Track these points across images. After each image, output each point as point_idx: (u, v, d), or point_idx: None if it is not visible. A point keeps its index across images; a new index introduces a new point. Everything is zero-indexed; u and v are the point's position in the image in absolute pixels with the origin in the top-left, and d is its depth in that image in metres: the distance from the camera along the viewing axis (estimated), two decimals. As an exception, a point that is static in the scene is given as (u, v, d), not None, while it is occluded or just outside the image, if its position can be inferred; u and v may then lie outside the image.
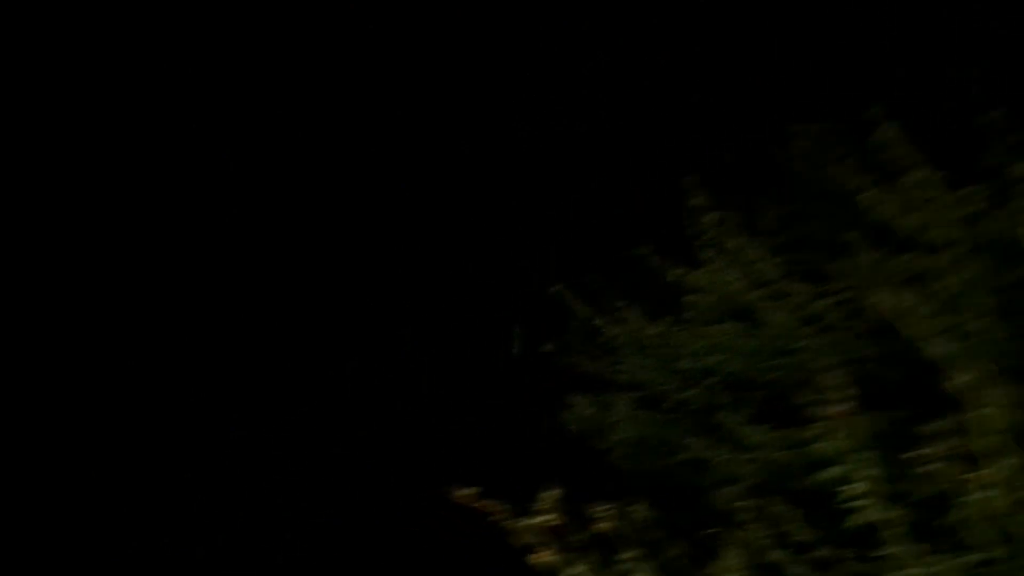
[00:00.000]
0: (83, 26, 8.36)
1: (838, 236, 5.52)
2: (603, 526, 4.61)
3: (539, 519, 4.52)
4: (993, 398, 4.24)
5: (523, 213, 8.32)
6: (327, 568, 7.60)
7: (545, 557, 4.54)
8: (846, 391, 4.39)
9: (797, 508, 4.69)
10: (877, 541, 4.49)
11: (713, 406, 5.78)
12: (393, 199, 8.68)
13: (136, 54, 8.49)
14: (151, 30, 8.50)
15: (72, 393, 8.03)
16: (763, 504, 4.75)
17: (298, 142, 8.64)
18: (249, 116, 8.57)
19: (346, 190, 8.64)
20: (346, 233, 8.63)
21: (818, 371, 5.06)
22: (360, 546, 7.60)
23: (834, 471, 4.57)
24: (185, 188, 8.48)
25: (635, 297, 6.14)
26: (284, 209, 8.63)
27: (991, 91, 5.84)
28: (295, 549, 7.66)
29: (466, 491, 4.59)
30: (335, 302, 8.57)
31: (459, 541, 6.95)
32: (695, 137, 6.91)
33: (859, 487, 4.43)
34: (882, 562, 4.46)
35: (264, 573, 7.55)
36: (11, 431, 7.77)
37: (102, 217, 8.35)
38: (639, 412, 5.90)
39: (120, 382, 8.09)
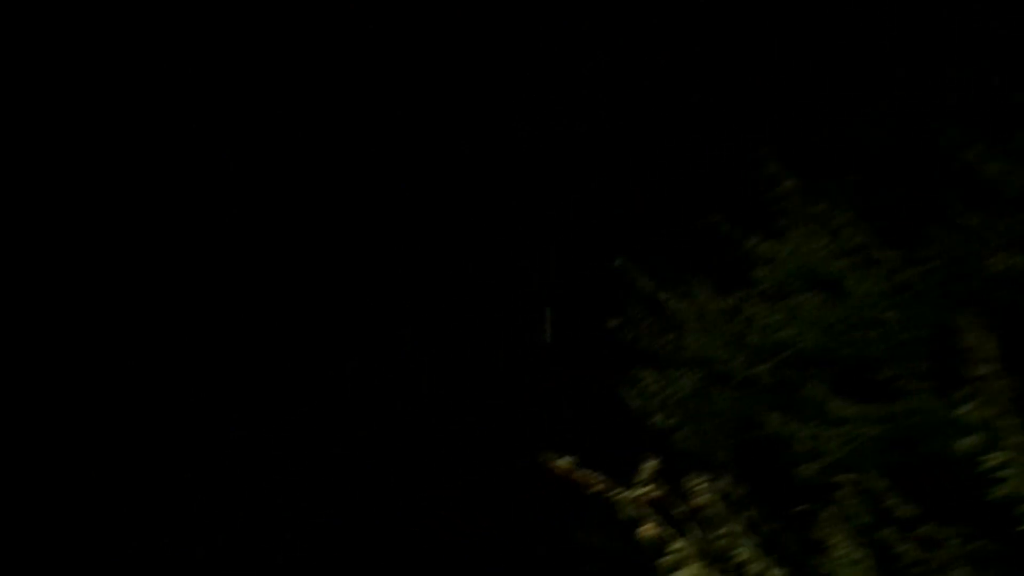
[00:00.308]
0: (83, 26, 8.06)
1: (929, 199, 4.93)
2: (701, 500, 4.10)
3: (640, 491, 4.06)
4: None
5: (556, 194, 7.78)
6: (327, 568, 7.41)
7: (651, 531, 4.07)
8: (990, 352, 3.78)
9: (895, 483, 4.20)
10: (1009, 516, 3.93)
11: (785, 382, 5.17)
12: (399, 198, 8.31)
13: (136, 54, 8.17)
14: (151, 30, 8.17)
15: (72, 393, 7.78)
16: (861, 480, 4.22)
17: (298, 142, 8.28)
18: (249, 116, 8.22)
19: (349, 190, 8.30)
20: (347, 234, 8.29)
21: (909, 342, 4.52)
22: (360, 546, 7.43)
23: (972, 439, 3.96)
24: (185, 189, 8.17)
25: (699, 270, 5.52)
26: (285, 209, 8.29)
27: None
28: (295, 549, 7.47)
29: (564, 460, 4.01)
30: (335, 303, 8.24)
31: (459, 541, 7.22)
32: (760, 109, 6.29)
33: (1001, 456, 3.83)
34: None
35: (264, 573, 7.36)
36: (12, 431, 7.54)
37: (102, 218, 8.09)
38: (709, 388, 5.27)
39: (120, 382, 7.84)
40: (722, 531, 4.15)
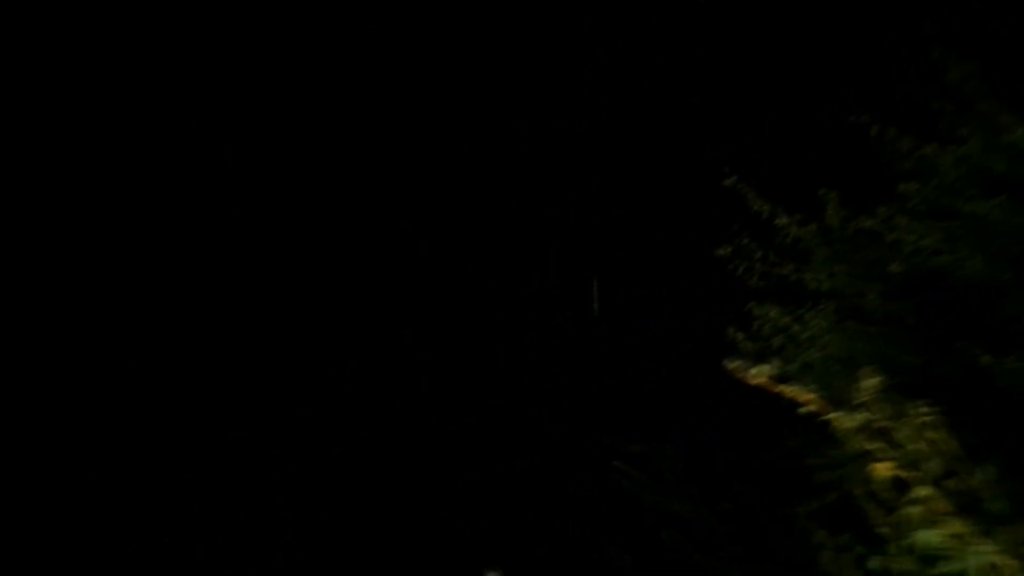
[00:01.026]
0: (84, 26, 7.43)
1: None
2: (932, 435, 2.73)
3: (860, 416, 2.79)
4: None
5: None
6: (327, 568, 6.90)
7: (886, 471, 2.75)
8: None
9: None
10: None
11: (931, 318, 3.74)
12: (407, 196, 7.58)
13: (136, 54, 7.52)
14: (152, 30, 7.53)
15: (73, 393, 7.18)
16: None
17: (303, 142, 7.63)
18: (249, 116, 7.61)
19: (354, 190, 7.60)
20: (346, 235, 7.60)
21: None
22: (360, 546, 6.90)
23: None
24: (185, 188, 7.56)
25: (826, 186, 4.09)
26: (286, 209, 7.62)
27: None
28: (295, 549, 6.97)
29: (760, 369, 2.65)
30: (335, 303, 7.58)
31: (459, 541, 6.67)
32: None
33: None
34: None
35: (264, 573, 6.85)
36: (12, 431, 6.98)
37: (102, 217, 7.46)
38: (847, 324, 3.81)
39: (120, 382, 7.23)
40: (973, 479, 2.72)
